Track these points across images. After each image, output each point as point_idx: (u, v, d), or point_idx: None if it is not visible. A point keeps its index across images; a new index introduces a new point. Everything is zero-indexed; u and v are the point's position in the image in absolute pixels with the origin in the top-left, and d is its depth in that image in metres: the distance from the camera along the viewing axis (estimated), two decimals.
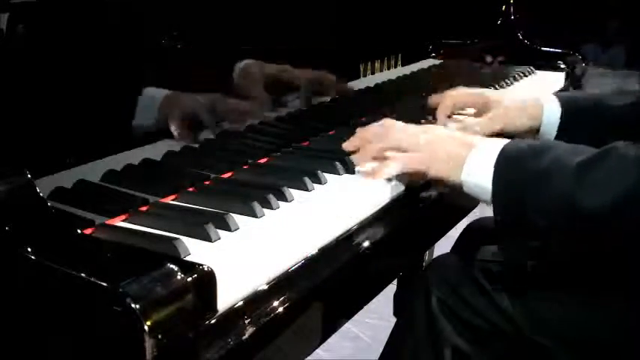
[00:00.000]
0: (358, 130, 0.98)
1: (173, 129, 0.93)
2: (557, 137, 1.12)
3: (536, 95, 1.18)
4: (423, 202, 0.96)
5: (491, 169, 0.84)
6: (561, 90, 1.64)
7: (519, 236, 0.87)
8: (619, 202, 0.75)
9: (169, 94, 0.92)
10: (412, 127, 0.95)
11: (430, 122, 1.16)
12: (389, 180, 0.90)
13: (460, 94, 1.22)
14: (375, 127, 0.97)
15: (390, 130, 0.94)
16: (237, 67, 1.05)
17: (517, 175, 0.83)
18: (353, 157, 0.94)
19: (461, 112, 1.25)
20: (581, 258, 0.93)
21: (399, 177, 0.91)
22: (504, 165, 0.84)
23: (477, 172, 0.86)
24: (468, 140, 0.90)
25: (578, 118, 1.13)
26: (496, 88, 1.48)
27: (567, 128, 1.12)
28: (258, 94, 1.08)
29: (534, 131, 1.15)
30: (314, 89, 1.23)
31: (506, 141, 0.88)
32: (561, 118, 1.12)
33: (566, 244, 0.86)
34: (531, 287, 0.96)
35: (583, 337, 0.91)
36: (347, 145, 0.97)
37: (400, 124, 0.96)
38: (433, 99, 1.23)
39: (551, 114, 1.13)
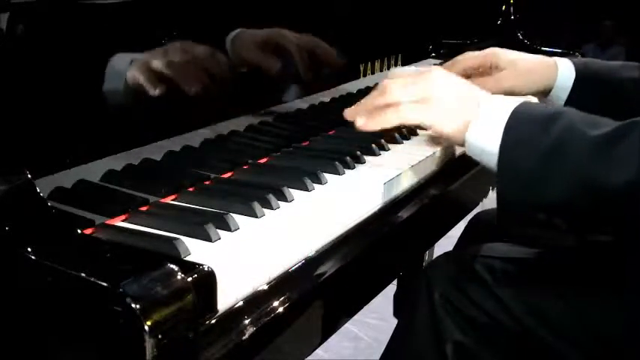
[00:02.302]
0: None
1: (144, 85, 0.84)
2: (567, 102, 1.10)
3: (552, 57, 1.14)
4: (423, 201, 0.96)
5: (500, 132, 0.79)
6: None
7: (526, 210, 0.80)
8: None
9: (157, 53, 0.85)
10: (410, 79, 0.89)
11: None
12: (390, 179, 0.90)
13: (469, 56, 1.17)
14: (374, 91, 0.91)
15: (391, 85, 0.88)
16: (229, 37, 1.00)
17: (529, 140, 0.78)
18: (348, 110, 0.90)
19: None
20: (587, 245, 0.92)
21: (402, 175, 0.91)
22: (515, 128, 0.78)
23: (484, 132, 0.81)
24: (474, 96, 0.85)
25: (590, 85, 1.10)
26: None
27: (579, 94, 1.08)
28: (252, 58, 1.02)
29: (545, 93, 1.11)
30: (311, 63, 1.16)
31: (516, 101, 0.82)
32: (574, 82, 1.09)
33: (583, 221, 0.80)
34: (534, 283, 0.96)
35: (586, 333, 0.91)
36: (347, 114, 0.92)
37: (397, 77, 0.90)
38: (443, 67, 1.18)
39: (565, 77, 1.10)
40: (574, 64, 1.12)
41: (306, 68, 1.14)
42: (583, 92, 1.08)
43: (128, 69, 0.84)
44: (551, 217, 0.79)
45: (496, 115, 0.80)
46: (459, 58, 1.17)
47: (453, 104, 0.84)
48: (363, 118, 0.89)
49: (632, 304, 0.89)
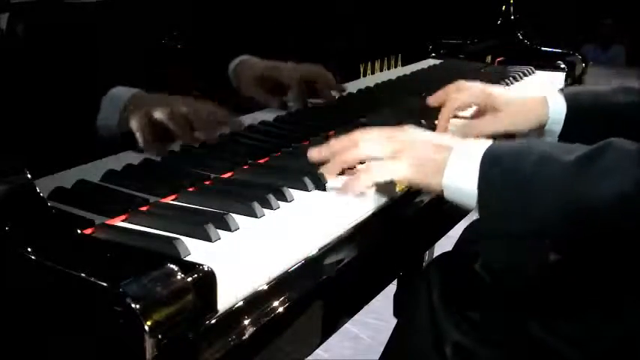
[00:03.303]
0: (331, 141, 0.91)
1: (136, 134, 0.86)
2: (562, 134, 1.11)
3: (541, 92, 1.16)
4: (424, 201, 0.96)
5: (476, 172, 0.80)
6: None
7: (513, 239, 0.82)
8: (629, 190, 0.73)
9: (136, 94, 0.86)
10: (382, 133, 0.89)
11: (431, 123, 1.15)
12: (388, 180, 0.90)
13: (462, 95, 1.18)
14: (343, 139, 0.90)
15: (359, 139, 0.88)
16: (232, 65, 1.02)
17: (506, 176, 0.79)
18: (323, 169, 0.88)
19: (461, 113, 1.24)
20: (581, 259, 0.93)
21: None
22: (492, 165, 0.80)
23: (460, 175, 0.82)
24: (445, 143, 0.86)
25: (583, 115, 1.11)
26: None
27: (573, 125, 1.10)
28: (252, 93, 1.05)
29: (540, 129, 1.13)
30: (309, 87, 1.19)
31: (487, 142, 0.84)
32: (567, 115, 1.11)
33: (569, 245, 0.82)
34: (533, 284, 0.96)
35: (586, 333, 0.91)
36: (313, 154, 0.90)
37: (369, 130, 0.89)
38: (432, 99, 1.20)
39: (557, 112, 1.12)
40: (565, 96, 1.13)
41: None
42: (576, 123, 1.10)
43: (128, 69, 0.84)
44: (536, 245, 0.82)
45: (470, 156, 0.81)
46: (453, 95, 1.17)
47: (425, 154, 0.85)
48: (336, 181, 0.87)
49: (631, 299, 0.89)
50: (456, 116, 1.20)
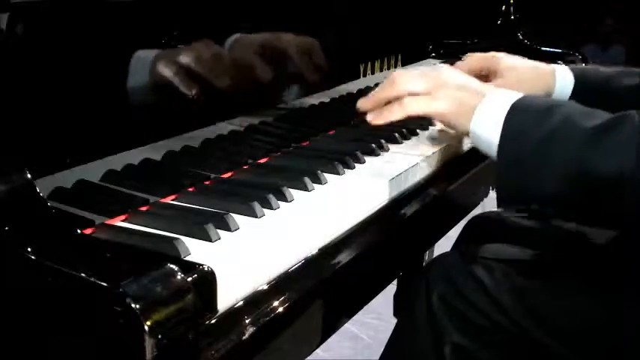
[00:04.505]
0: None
1: (176, 84, 0.89)
2: None
3: (550, 65, 1.16)
4: (423, 202, 0.96)
5: (501, 123, 0.82)
6: None
7: (522, 197, 0.84)
8: (628, 172, 0.74)
9: (160, 53, 0.88)
10: (421, 71, 0.94)
11: (430, 125, 1.15)
12: (389, 179, 0.90)
13: (469, 62, 1.19)
14: (384, 82, 0.96)
15: (399, 77, 0.94)
16: (227, 42, 1.01)
17: (527, 131, 0.81)
18: (367, 115, 0.95)
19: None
20: (583, 247, 0.92)
21: (401, 175, 0.92)
22: (515, 120, 0.82)
23: (486, 123, 0.84)
24: (480, 89, 0.89)
25: (589, 92, 1.11)
26: None
27: (577, 102, 1.11)
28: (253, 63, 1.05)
29: None
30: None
31: (518, 94, 0.85)
32: (573, 90, 1.11)
33: (573, 208, 0.83)
34: (532, 285, 0.96)
35: (584, 334, 0.91)
36: (362, 104, 0.96)
37: (409, 70, 0.95)
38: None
39: (563, 86, 1.12)
40: (572, 70, 1.13)
41: (305, 71, 1.15)
42: (581, 100, 1.09)
43: (128, 69, 0.84)
44: (545, 207, 0.84)
45: (498, 107, 0.83)
46: (463, 59, 1.20)
47: (458, 96, 0.88)
48: (372, 113, 0.94)
49: (631, 300, 0.89)
50: None
